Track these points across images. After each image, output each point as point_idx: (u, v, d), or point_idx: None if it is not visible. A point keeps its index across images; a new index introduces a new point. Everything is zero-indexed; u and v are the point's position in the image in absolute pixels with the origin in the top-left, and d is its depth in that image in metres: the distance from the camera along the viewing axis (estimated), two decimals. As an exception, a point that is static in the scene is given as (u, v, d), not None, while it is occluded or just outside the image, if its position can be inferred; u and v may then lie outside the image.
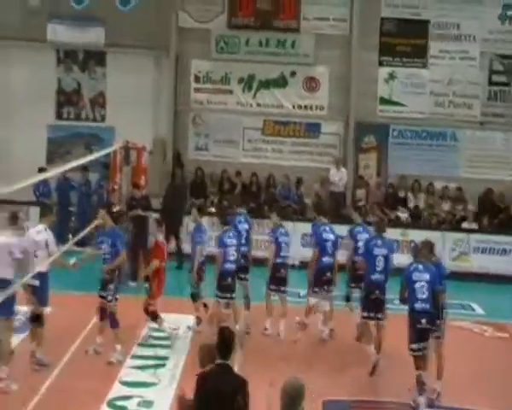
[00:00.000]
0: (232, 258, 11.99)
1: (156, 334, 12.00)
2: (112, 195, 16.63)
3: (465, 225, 18.47)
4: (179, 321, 12.44)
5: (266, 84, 19.53)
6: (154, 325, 11.99)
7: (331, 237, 12.22)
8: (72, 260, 11.56)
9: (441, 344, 10.09)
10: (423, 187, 19.14)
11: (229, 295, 12.01)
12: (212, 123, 19.54)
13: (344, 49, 19.29)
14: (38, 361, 10.35)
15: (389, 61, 19.44)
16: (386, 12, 19.30)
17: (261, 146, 19.65)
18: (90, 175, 18.59)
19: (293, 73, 19.46)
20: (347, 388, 10.36)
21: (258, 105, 19.60)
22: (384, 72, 19.45)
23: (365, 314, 11.14)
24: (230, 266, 11.99)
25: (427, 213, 18.85)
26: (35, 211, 14.92)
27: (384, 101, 19.48)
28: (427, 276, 9.73)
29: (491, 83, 19.37)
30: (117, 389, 9.77)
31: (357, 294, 12.19)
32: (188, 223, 15.53)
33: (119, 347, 10.83)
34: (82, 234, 12.31)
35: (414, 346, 9.68)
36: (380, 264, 11.11)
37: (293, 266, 14.08)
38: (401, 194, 19.18)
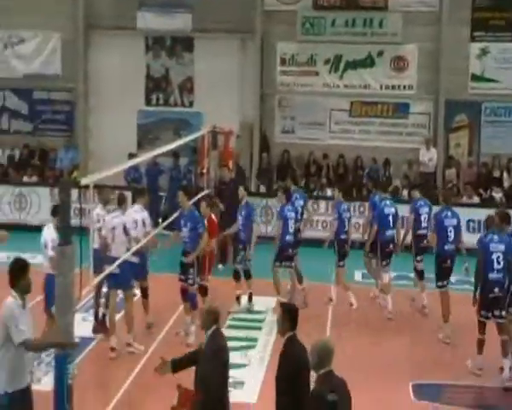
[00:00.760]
0: (291, 230, 12.40)
1: (247, 316, 12.17)
2: (200, 179, 16.85)
3: None
4: (267, 303, 12.54)
5: (353, 65, 19.29)
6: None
7: (392, 210, 12.63)
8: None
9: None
10: (519, 166, 18.55)
11: (289, 264, 12.46)
12: (298, 105, 19.48)
13: (433, 26, 18.82)
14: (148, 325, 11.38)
15: (482, 37, 18.84)
16: (478, -14, 18.73)
17: (348, 128, 19.46)
18: (180, 160, 18.90)
19: (380, 53, 19.13)
20: (435, 371, 10.21)
21: (345, 86, 19.39)
22: (476, 47, 18.86)
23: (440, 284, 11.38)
24: (290, 238, 12.38)
25: (524, 192, 18.23)
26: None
27: (476, 77, 18.89)
28: (502, 247, 9.91)
29: None
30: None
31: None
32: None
33: (193, 328, 10.93)
34: (171, 218, 12.49)
35: (483, 313, 9.90)
36: (451, 234, 11.40)
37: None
38: (496, 173, 18.63)
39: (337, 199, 13.12)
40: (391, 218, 12.58)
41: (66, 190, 7.18)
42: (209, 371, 6.49)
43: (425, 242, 12.24)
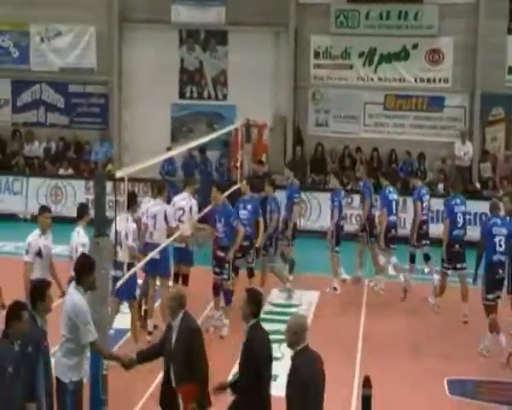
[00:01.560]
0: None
1: (280, 309, 12.14)
2: (233, 172, 16.85)
3: None
4: (306, 297, 12.73)
5: (387, 58, 19.12)
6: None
7: (395, 197, 13.14)
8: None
9: None
10: (557, 161, 18.25)
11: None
12: (332, 99, 19.39)
13: (470, 19, 18.57)
14: None
15: (519, 29, 18.57)
16: (516, -24, 18.41)
17: (382, 121, 19.31)
18: (211, 153, 18.91)
19: (415, 46, 18.93)
20: (470, 367, 10.11)
21: (380, 79, 19.23)
22: (513, 40, 18.59)
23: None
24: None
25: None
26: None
27: (513, 71, 18.63)
28: (504, 230, 10.38)
29: None
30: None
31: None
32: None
33: (227, 321, 10.94)
34: (203, 212, 12.50)
35: (489, 296, 10.24)
36: (460, 220, 11.80)
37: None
38: (533, 168, 18.36)
39: (335, 187, 13.56)
40: (394, 204, 13.07)
41: (101, 182, 7.25)
42: (195, 350, 6.54)
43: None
